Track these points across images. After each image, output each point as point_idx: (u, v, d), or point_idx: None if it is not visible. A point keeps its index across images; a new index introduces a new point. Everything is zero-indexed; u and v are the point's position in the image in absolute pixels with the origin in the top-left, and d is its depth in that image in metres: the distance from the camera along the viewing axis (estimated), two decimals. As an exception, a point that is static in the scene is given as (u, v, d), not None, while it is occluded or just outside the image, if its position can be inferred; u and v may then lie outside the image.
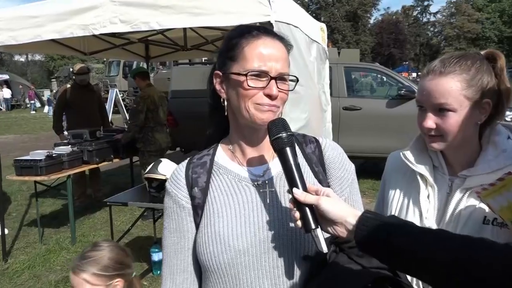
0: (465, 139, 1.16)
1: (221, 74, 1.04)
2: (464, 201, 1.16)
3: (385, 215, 0.92)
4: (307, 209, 0.89)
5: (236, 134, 1.08)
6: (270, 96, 0.98)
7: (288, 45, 1.05)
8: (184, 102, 7.28)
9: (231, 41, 1.03)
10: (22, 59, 57.45)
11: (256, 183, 1.05)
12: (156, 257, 3.79)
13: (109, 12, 3.44)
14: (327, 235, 0.92)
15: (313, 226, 0.88)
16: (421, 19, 58.44)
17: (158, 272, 3.82)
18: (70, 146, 4.97)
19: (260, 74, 0.97)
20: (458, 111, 1.11)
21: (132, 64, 18.47)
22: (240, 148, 1.08)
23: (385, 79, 7.62)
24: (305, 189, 0.92)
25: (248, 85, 0.97)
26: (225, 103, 1.05)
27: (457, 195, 1.17)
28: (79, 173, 5.72)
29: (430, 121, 1.15)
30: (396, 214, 1.28)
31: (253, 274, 0.99)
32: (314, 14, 47.02)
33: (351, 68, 7.49)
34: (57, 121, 6.13)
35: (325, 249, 0.89)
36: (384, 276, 0.91)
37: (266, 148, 1.07)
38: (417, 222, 1.21)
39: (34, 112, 26.25)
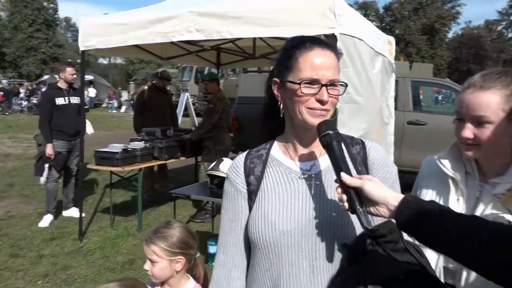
0: (499, 149, 1.24)
1: (278, 81, 1.20)
2: (491, 206, 1.24)
3: (424, 200, 1.02)
4: (352, 192, 1.00)
5: (290, 132, 1.23)
6: (321, 101, 1.11)
7: (338, 54, 1.18)
8: (250, 108, 7.56)
9: (287, 52, 1.18)
10: (105, 61, 61.62)
11: (303, 176, 1.19)
12: (212, 249, 4.00)
13: (187, 22, 3.78)
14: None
15: (358, 206, 1.00)
16: (505, 34, 54.83)
17: (212, 263, 4.04)
18: (143, 142, 5.42)
19: (312, 82, 1.10)
20: (496, 123, 1.20)
21: (204, 70, 19.24)
22: (292, 145, 1.23)
23: (454, 95, 7.38)
24: (351, 175, 1.03)
25: (302, 92, 1.10)
26: (282, 106, 1.21)
27: (486, 200, 1.26)
28: (148, 169, 6.18)
29: (468, 131, 1.24)
30: None
31: (294, 254, 1.12)
32: (388, 27, 45.83)
33: (418, 83, 7.35)
34: (136, 121, 6.55)
35: (371, 225, 0.99)
36: (416, 270, 1.00)
37: (315, 147, 1.21)
38: None
39: (113, 111, 28.20)
